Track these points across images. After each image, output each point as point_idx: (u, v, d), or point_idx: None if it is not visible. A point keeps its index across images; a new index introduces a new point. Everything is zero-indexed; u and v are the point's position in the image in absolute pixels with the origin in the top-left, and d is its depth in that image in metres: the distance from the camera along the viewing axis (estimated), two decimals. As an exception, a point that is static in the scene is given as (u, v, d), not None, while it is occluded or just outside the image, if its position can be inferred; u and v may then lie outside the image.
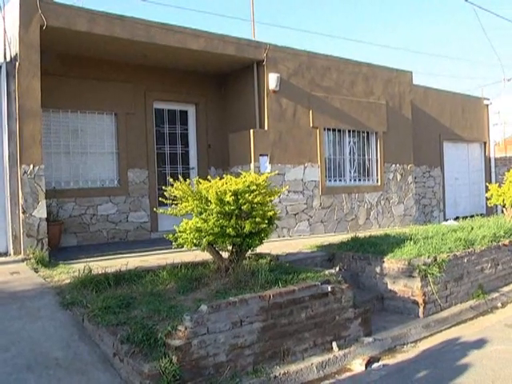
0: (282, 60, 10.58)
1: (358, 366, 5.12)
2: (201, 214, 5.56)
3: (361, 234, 8.79)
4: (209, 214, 5.46)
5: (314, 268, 6.58)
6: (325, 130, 11.39)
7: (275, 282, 5.41)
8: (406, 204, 13.08)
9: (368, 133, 12.37)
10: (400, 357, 5.46)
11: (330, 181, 11.57)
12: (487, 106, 17.33)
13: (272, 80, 10.28)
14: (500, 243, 8.15)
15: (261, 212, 5.54)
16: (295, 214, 10.73)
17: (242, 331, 4.68)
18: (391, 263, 6.88)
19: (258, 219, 5.47)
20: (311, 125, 11.04)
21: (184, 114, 11.13)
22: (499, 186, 11.84)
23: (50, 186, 8.66)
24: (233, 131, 10.81)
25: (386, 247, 7.35)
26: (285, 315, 5.01)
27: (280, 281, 5.42)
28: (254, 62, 10.34)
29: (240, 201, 5.43)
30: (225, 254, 5.96)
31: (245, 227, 5.42)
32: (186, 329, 4.34)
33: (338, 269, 6.49)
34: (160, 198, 6.29)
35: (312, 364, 4.96)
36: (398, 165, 12.89)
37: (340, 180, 11.86)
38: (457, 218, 13.78)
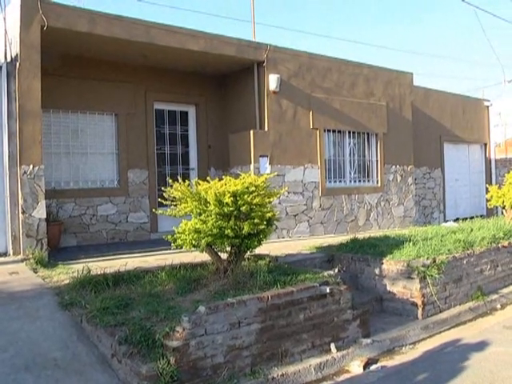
0: (283, 61, 10.58)
1: (356, 367, 5.12)
2: (200, 215, 5.56)
3: (360, 236, 8.79)
4: (208, 215, 5.46)
5: (313, 269, 6.58)
6: (325, 131, 11.39)
7: (274, 283, 5.41)
8: (406, 205, 13.08)
9: (368, 134, 12.37)
10: (398, 358, 5.47)
11: (329, 182, 11.57)
12: (488, 107, 17.32)
13: (272, 81, 10.29)
14: (499, 245, 8.15)
15: (259, 213, 5.54)
16: (295, 215, 10.73)
17: (239, 332, 4.68)
18: (390, 265, 6.88)
19: (256, 220, 5.47)
20: (311, 126, 11.04)
21: (184, 114, 11.13)
22: (499, 188, 11.83)
23: (49, 187, 8.67)
24: (233, 132, 10.81)
25: (385, 248, 7.34)
26: (283, 316, 5.02)
27: (278, 282, 5.42)
28: (254, 62, 10.34)
29: (239, 202, 5.43)
30: (224, 255, 5.96)
31: (243, 228, 5.42)
32: (183, 330, 4.35)
33: (337, 270, 6.48)
34: (160, 199, 6.29)
35: (310, 365, 4.96)
36: (398, 166, 12.89)
37: (340, 181, 11.86)
38: (457, 220, 13.78)
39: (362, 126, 12.07)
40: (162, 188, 5.96)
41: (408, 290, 6.63)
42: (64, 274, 6.50)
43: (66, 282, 6.09)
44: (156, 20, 8.85)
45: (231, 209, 5.37)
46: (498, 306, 7.38)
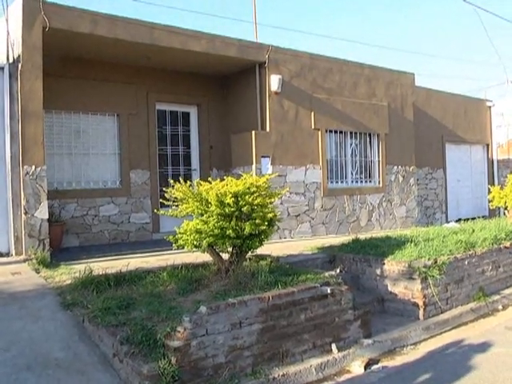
0: (284, 62, 10.59)
1: (357, 367, 5.12)
2: (201, 215, 5.59)
3: (362, 236, 8.79)
4: (209, 216, 5.48)
5: (315, 270, 6.59)
6: (326, 131, 11.40)
7: (275, 283, 5.42)
8: (408, 206, 13.07)
9: (370, 134, 12.36)
10: (400, 359, 5.47)
11: (331, 182, 11.57)
12: (490, 107, 17.29)
13: (274, 82, 10.30)
14: (501, 245, 8.14)
15: (261, 214, 5.55)
16: (297, 216, 10.74)
17: (241, 333, 4.69)
18: (392, 265, 6.88)
19: (258, 221, 5.48)
20: (313, 126, 11.04)
21: (186, 115, 11.15)
22: (501, 188, 11.84)
23: (52, 187, 8.68)
24: (235, 132, 10.82)
25: (387, 249, 7.35)
26: (284, 317, 5.03)
27: (280, 282, 5.43)
28: (255, 63, 10.36)
29: (240, 202, 5.45)
30: (225, 256, 5.98)
31: (245, 229, 5.43)
32: (185, 330, 4.36)
33: (338, 271, 6.49)
34: (162, 200, 6.29)
35: (311, 366, 4.97)
36: (399, 166, 12.88)
37: (342, 182, 11.86)
38: (459, 220, 13.77)
39: (364, 127, 12.07)
40: (164, 188, 5.98)
41: (409, 291, 6.63)
42: (66, 274, 6.52)
43: (68, 282, 6.11)
44: (155, 20, 8.88)
45: (232, 209, 5.39)
46: (500, 307, 7.38)
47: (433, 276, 6.60)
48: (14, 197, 7.41)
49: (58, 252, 8.03)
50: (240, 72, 10.82)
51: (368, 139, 12.38)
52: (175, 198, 5.79)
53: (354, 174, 12.14)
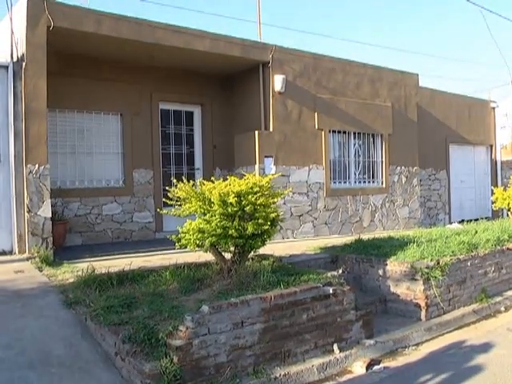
0: (288, 61, 10.60)
1: (358, 368, 5.12)
2: (204, 215, 5.59)
3: (365, 237, 8.78)
4: (212, 215, 5.48)
5: (317, 270, 6.59)
6: (330, 131, 11.40)
7: (277, 283, 5.42)
8: (411, 206, 13.06)
9: (373, 135, 12.36)
10: (401, 360, 5.46)
11: (334, 183, 11.58)
12: (494, 108, 17.26)
13: (277, 81, 10.30)
14: (504, 247, 8.12)
15: (263, 213, 5.55)
16: (299, 216, 10.74)
17: (242, 332, 4.70)
18: (394, 266, 6.88)
19: (260, 221, 5.49)
20: (316, 127, 11.05)
21: (190, 114, 11.17)
22: (504, 190, 11.82)
23: (55, 186, 8.72)
24: (238, 132, 10.83)
25: (389, 250, 7.34)
26: (286, 317, 5.03)
27: (282, 282, 5.43)
28: (259, 63, 10.37)
29: (243, 202, 5.45)
30: (227, 255, 5.98)
31: (247, 229, 5.44)
32: (187, 329, 4.37)
33: (340, 271, 6.49)
34: (165, 199, 6.31)
35: (313, 366, 4.97)
36: (403, 167, 12.87)
37: (345, 182, 11.86)
38: (462, 221, 13.74)
39: (367, 127, 12.06)
40: (167, 188, 5.99)
41: (411, 292, 6.62)
42: (69, 272, 6.54)
43: (71, 280, 6.13)
44: (160, 20, 8.90)
45: (235, 209, 5.39)
46: (502, 309, 7.36)
47: (435, 277, 6.59)
48: (18, 195, 7.43)
49: (61, 250, 8.05)
50: (244, 72, 10.83)
51: (371, 140, 12.38)
52: (178, 197, 5.79)
53: (357, 174, 12.14)
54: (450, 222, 14.59)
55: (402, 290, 6.74)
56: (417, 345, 5.89)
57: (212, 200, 5.50)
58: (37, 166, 7.49)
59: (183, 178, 6.02)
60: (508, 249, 8.17)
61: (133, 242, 9.71)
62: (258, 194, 5.56)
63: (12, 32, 7.89)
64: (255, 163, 10.11)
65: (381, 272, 7.03)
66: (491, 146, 17.34)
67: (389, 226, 12.41)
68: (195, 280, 5.76)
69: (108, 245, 9.22)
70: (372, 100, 12.15)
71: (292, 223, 10.56)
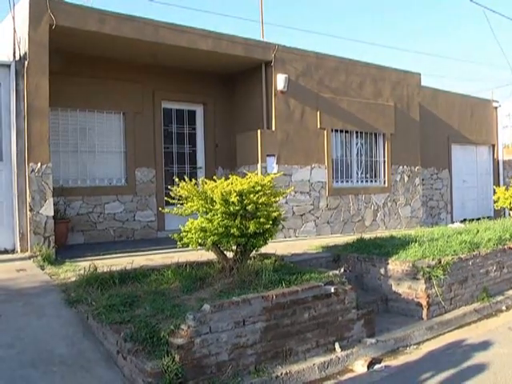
0: (290, 61, 10.59)
1: (360, 366, 5.13)
2: (206, 213, 5.59)
3: (366, 236, 8.79)
4: (214, 214, 5.48)
5: (319, 269, 6.58)
6: (332, 131, 11.40)
7: (279, 282, 5.42)
8: (413, 206, 13.05)
9: (376, 134, 12.35)
10: (402, 358, 5.47)
11: (336, 182, 11.57)
12: (496, 108, 17.23)
13: (280, 81, 10.30)
14: (505, 246, 8.12)
15: (265, 212, 5.56)
16: (302, 215, 10.74)
17: (244, 331, 4.70)
18: (396, 265, 6.88)
19: (262, 220, 5.49)
20: (319, 126, 11.04)
21: (192, 113, 11.17)
22: (506, 189, 11.81)
23: (57, 184, 8.73)
24: (240, 131, 10.84)
25: (391, 249, 7.34)
26: (287, 315, 5.03)
27: (284, 281, 5.43)
28: (262, 62, 10.36)
29: (245, 201, 5.45)
30: (229, 254, 5.99)
31: (249, 227, 5.44)
32: (188, 328, 4.37)
33: (342, 270, 6.47)
34: (167, 198, 6.30)
35: (314, 364, 4.98)
36: (405, 166, 12.86)
37: (347, 181, 11.86)
38: (464, 221, 13.73)
39: (370, 127, 12.05)
40: (169, 187, 5.99)
41: (413, 291, 6.62)
42: (71, 271, 6.55)
43: (73, 279, 6.14)
44: (164, 19, 8.91)
45: (237, 208, 5.39)
46: (504, 308, 7.36)
47: (437, 276, 6.59)
48: (20, 194, 7.44)
49: (63, 249, 8.06)
50: (246, 71, 10.82)
51: (374, 139, 12.37)
52: (180, 196, 5.80)
53: (359, 173, 12.14)
54: (452, 222, 14.59)
55: (403, 289, 6.74)
56: (418, 344, 5.89)
57: (214, 199, 5.50)
58: (39, 164, 7.50)
59: (185, 176, 6.01)
60: (510, 248, 8.17)
61: (135, 241, 9.73)
62: (260, 193, 5.56)
63: (14, 31, 7.90)
64: (257, 162, 10.11)
65: (382, 271, 7.03)
66: (493, 146, 17.31)
67: (391, 225, 12.40)
68: (197, 279, 5.76)
69: (110, 243, 9.23)
70: (374, 99, 12.14)
71: (294, 222, 10.57)
